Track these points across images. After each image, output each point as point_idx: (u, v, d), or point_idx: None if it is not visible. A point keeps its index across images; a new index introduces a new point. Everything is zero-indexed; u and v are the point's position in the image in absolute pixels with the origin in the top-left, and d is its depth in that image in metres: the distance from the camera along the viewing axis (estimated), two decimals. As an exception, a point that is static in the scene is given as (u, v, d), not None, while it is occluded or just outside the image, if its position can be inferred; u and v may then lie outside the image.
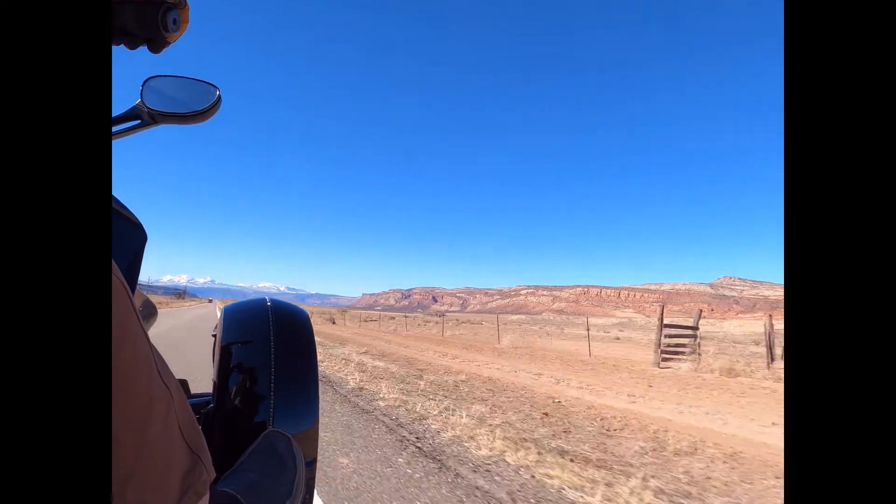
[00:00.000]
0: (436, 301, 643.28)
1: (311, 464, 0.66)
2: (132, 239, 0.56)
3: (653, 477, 2.21)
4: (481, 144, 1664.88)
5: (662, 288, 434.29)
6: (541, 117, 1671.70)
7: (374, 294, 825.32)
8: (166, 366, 0.33)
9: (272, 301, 0.74)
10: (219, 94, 0.71)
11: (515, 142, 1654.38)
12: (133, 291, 0.56)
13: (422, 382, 5.03)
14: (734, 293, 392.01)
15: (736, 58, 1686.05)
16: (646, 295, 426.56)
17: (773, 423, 3.76)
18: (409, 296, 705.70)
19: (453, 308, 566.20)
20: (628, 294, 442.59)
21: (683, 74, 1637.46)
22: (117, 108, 0.68)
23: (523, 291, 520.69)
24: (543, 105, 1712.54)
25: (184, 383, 0.68)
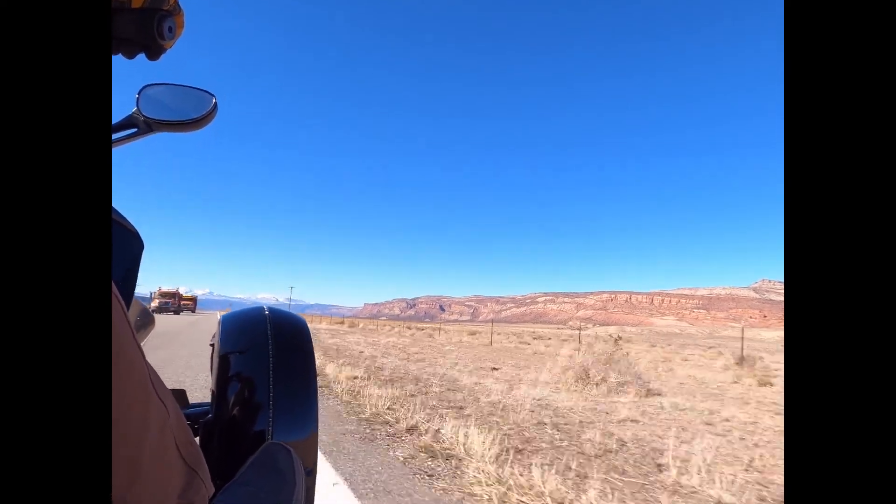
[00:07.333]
0: (443, 310, 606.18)
1: (310, 473, 0.65)
2: (128, 248, 0.54)
3: None
4: (482, 143, 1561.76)
5: (699, 293, 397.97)
6: (551, 103, 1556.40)
7: (377, 304, 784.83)
8: (161, 381, 0.33)
9: (270, 309, 0.74)
10: (215, 102, 0.71)
11: (516, 138, 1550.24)
12: (130, 302, 0.56)
13: None
14: (781, 297, 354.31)
15: (752, 57, 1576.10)
16: (682, 300, 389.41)
17: None
18: (415, 305, 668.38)
19: (463, 318, 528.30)
20: (662, 300, 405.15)
21: (701, 65, 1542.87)
22: (113, 117, 0.67)
23: (540, 299, 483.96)
24: (553, 88, 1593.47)
25: (182, 393, 0.67)
